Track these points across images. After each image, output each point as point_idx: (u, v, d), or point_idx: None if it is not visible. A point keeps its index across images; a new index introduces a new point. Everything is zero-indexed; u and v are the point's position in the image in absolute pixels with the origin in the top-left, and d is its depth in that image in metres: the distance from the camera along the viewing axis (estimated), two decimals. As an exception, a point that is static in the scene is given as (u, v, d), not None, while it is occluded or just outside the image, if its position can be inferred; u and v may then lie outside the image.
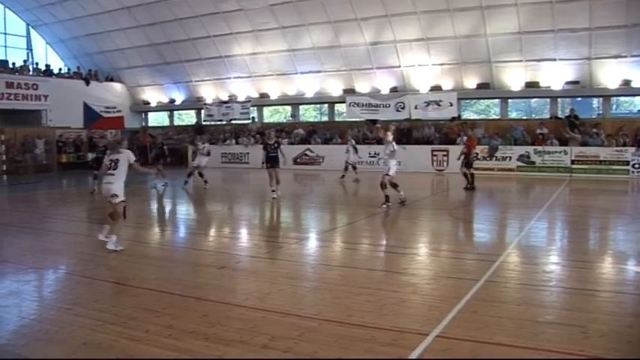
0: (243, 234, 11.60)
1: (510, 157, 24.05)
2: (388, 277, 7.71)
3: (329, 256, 9.32)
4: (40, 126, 30.23)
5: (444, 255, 9.19)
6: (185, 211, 15.77)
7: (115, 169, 9.54)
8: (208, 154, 20.78)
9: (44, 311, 6.45)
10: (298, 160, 28.37)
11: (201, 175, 20.19)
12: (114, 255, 9.10)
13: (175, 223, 13.51)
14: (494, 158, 24.11)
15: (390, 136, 14.50)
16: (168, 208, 16.40)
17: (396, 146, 14.56)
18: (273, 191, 16.26)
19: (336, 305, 6.40)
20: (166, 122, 37.43)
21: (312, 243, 10.34)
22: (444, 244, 10.13)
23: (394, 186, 14.48)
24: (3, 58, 31.73)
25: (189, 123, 35.87)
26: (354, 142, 22.90)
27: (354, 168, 22.07)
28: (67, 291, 7.30)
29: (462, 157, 18.41)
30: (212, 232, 12.01)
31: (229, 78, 32.35)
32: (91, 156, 23.28)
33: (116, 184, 9.54)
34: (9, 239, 10.53)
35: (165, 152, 21.45)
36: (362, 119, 28.31)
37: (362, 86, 29.09)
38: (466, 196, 16.82)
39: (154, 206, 16.80)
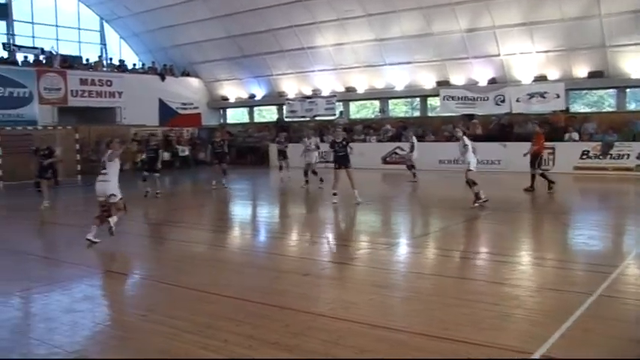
0: (329, 238, 11.64)
1: (628, 155, 22.93)
2: (487, 287, 7.52)
3: (421, 263, 9.21)
4: (114, 124, 31.54)
5: (549, 264, 8.86)
6: (267, 213, 16.03)
7: (105, 169, 11.01)
8: (317, 147, 21.00)
9: (119, 317, 6.71)
10: (387, 159, 28.22)
11: (314, 172, 20.43)
12: (191, 260, 9.37)
13: (256, 226, 13.76)
14: (608, 156, 23.09)
15: (459, 132, 15.18)
16: (248, 210, 16.72)
17: (468, 141, 14.97)
18: (335, 194, 15.72)
19: (429, 317, 6.30)
20: (246, 119, 38.21)
21: (403, 249, 10.26)
22: (550, 252, 9.78)
23: (472, 184, 14.56)
24: (77, 54, 33.32)
25: (270, 120, 36.43)
26: (415, 138, 22.50)
27: (412, 167, 21.78)
28: (142, 297, 7.57)
29: (530, 155, 17.78)
30: (295, 236, 12.13)
31: (313, 71, 32.60)
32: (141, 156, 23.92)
33: (112, 183, 10.79)
34: (83, 242, 11.02)
35: (226, 150, 21.82)
36: (457, 114, 27.80)
37: (457, 78, 28.60)
38: (572, 199, 16.20)
39: (233, 208, 17.18)
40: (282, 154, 23.66)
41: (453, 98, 27.76)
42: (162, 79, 34.79)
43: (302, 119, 33.09)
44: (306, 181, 20.53)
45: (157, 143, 20.36)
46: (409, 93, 30.69)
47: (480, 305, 6.62)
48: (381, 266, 8.76)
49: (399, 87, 30.34)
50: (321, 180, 19.93)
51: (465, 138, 15.04)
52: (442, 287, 7.53)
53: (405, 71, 29.75)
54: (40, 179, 16.85)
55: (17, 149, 24.63)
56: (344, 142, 16.04)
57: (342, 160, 15.91)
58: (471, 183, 14.67)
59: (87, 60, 32.71)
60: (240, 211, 16.83)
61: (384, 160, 28.06)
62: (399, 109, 33.07)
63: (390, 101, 32.12)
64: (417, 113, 31.63)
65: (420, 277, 8.15)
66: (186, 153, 33.38)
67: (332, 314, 6.45)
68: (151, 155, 19.44)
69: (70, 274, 8.74)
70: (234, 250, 10.76)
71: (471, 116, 26.41)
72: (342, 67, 31.45)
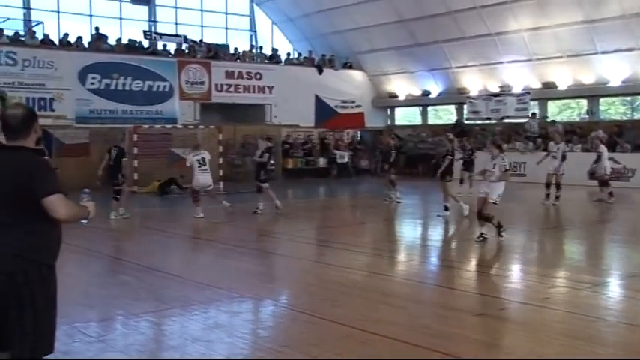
0: (514, 270, 11.29)
1: None
2: None
3: (636, 311, 8.65)
4: (263, 123, 32.67)
5: None
6: (438, 235, 15.87)
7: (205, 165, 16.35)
8: (564, 158, 20.55)
9: (251, 351, 6.89)
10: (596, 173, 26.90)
11: (558, 186, 20.20)
12: (342, 288, 9.45)
13: (425, 251, 13.63)
14: None
15: (495, 151, 13.41)
16: (417, 231, 16.64)
17: (506, 162, 13.43)
18: (446, 209, 17.25)
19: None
20: (418, 120, 38.15)
21: (612, 290, 9.77)
22: None
23: (485, 218, 13.15)
24: (223, 42, 34.90)
25: (448, 122, 36.16)
26: (603, 147, 21.24)
27: (605, 184, 20.84)
28: (280, 328, 7.71)
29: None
30: (471, 265, 11.86)
31: (501, 62, 31.94)
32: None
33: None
34: (220, 260, 11.47)
35: (391, 156, 21.68)
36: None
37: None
38: None
39: (400, 228, 17.15)
40: (466, 164, 23.14)
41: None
42: (320, 71, 35.50)
43: (486, 121, 32.51)
44: (547, 196, 20.29)
45: (269, 147, 19.90)
46: (628, 89, 29.16)
47: None
48: (578, 311, 8.32)
49: (615, 82, 28.97)
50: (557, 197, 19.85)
51: (502, 157, 13.36)
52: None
53: (623, 61, 28.33)
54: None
55: (155, 150, 26.23)
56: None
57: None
58: (485, 217, 13.30)
59: (235, 49, 34.22)
60: (407, 231, 16.85)
61: (591, 175, 26.78)
62: (613, 109, 31.60)
63: (601, 100, 30.75)
64: (638, 115, 30.04)
65: (632, 331, 7.66)
66: (346, 160, 33.78)
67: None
68: (261, 161, 19.06)
69: (202, 296, 9.10)
70: (396, 280, 10.68)
71: None
72: (540, 58, 30.51)
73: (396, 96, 37.51)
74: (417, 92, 36.51)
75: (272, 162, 20.09)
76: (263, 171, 18.65)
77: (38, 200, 4.34)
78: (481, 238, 12.95)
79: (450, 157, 17.63)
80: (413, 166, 34.08)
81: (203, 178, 17.52)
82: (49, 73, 26.72)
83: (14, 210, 4.38)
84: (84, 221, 4.72)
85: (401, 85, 37.07)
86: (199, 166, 17.46)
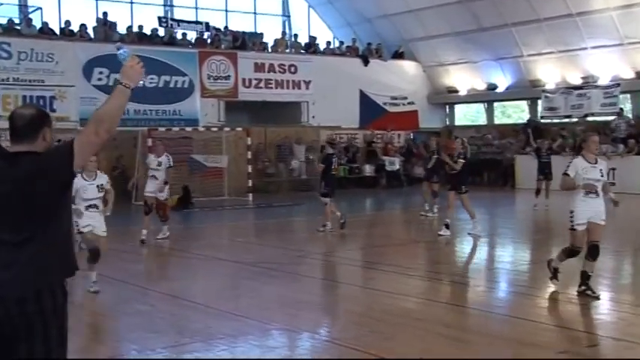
0: (604, 299, 10.94)
1: None
2: None
3: None
4: (298, 124, 32.76)
5: None
6: (508, 256, 15.81)
7: None
8: None
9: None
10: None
11: None
12: (394, 319, 9.45)
13: (492, 276, 13.53)
14: None
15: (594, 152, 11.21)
16: (483, 251, 16.56)
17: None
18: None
19: None
20: (482, 120, 37.93)
21: None
22: None
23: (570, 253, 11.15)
24: (251, 29, 34.92)
25: (518, 121, 35.94)
26: None
27: None
28: (325, 367, 7.70)
29: None
30: (549, 293, 11.71)
31: (584, 49, 31.70)
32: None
33: None
34: (250, 285, 11.51)
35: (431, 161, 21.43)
36: None
37: None
38: None
39: (461, 247, 17.06)
40: (543, 171, 22.79)
41: None
42: (366, 63, 35.44)
43: (565, 120, 32.26)
44: None
45: (335, 151, 19.66)
46: None
47: None
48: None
49: None
50: None
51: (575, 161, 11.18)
52: None
53: None
54: None
55: (173, 157, 26.16)
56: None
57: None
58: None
59: (265, 38, 34.17)
60: (470, 251, 16.71)
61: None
62: None
63: None
64: None
65: None
66: (397, 167, 33.57)
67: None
68: (327, 167, 18.87)
69: (229, 327, 9.15)
70: (459, 308, 10.61)
71: None
72: (632, 42, 30.20)
73: (456, 91, 37.29)
74: (482, 86, 36.25)
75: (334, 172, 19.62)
76: (324, 182, 18.21)
77: (66, 180, 4.39)
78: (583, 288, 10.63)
79: (463, 161, 17.46)
80: (476, 173, 33.71)
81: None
82: (48, 68, 27.00)
83: (24, 225, 4.36)
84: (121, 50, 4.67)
85: (462, 78, 36.83)
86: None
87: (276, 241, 17.52)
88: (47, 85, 26.94)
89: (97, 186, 11.10)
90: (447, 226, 17.09)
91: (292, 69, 32.79)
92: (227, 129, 28.55)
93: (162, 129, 27.20)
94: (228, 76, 31.03)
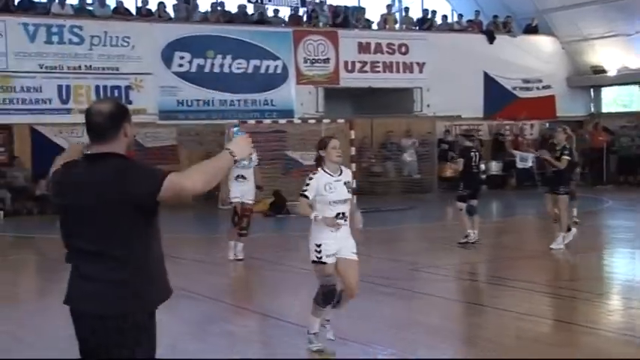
0: None
1: None
2: None
3: None
4: (410, 115, 32.59)
5: None
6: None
7: None
8: None
9: None
10: None
11: None
12: (524, 344, 9.32)
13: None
14: None
15: None
16: (634, 265, 16.24)
17: None
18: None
19: None
20: (637, 105, 36.94)
21: None
22: None
23: None
24: (354, 4, 34.81)
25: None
26: None
27: None
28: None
29: None
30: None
31: None
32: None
33: None
34: (355, 304, 11.31)
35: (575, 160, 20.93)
36: None
37: None
38: None
39: (605, 259, 16.75)
40: None
41: None
42: (491, 40, 35.06)
43: None
44: None
45: (473, 144, 19.53)
46: None
47: None
48: None
49: None
50: None
51: None
52: None
53: None
54: None
55: (264, 154, 26.19)
56: (563, 151, 16.39)
57: (549, 180, 17.13)
58: None
59: (369, 14, 34.04)
60: (620, 265, 16.40)
61: None
62: None
63: None
64: None
65: None
66: (529, 163, 32.94)
67: None
68: (466, 165, 18.56)
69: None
70: (609, 335, 10.27)
71: None
72: None
73: (604, 71, 36.48)
74: (636, 64, 35.32)
75: (481, 169, 19.29)
76: (463, 183, 17.83)
77: (150, 208, 4.52)
78: None
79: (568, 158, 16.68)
80: (629, 171, 32.89)
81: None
82: (123, 53, 27.51)
83: (116, 236, 4.49)
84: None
85: (611, 55, 35.94)
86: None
87: (386, 252, 17.39)
88: (122, 73, 27.45)
89: None
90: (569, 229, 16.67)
91: (403, 49, 32.62)
92: (327, 121, 28.39)
93: (252, 121, 27.16)
94: (328, 58, 31.09)
